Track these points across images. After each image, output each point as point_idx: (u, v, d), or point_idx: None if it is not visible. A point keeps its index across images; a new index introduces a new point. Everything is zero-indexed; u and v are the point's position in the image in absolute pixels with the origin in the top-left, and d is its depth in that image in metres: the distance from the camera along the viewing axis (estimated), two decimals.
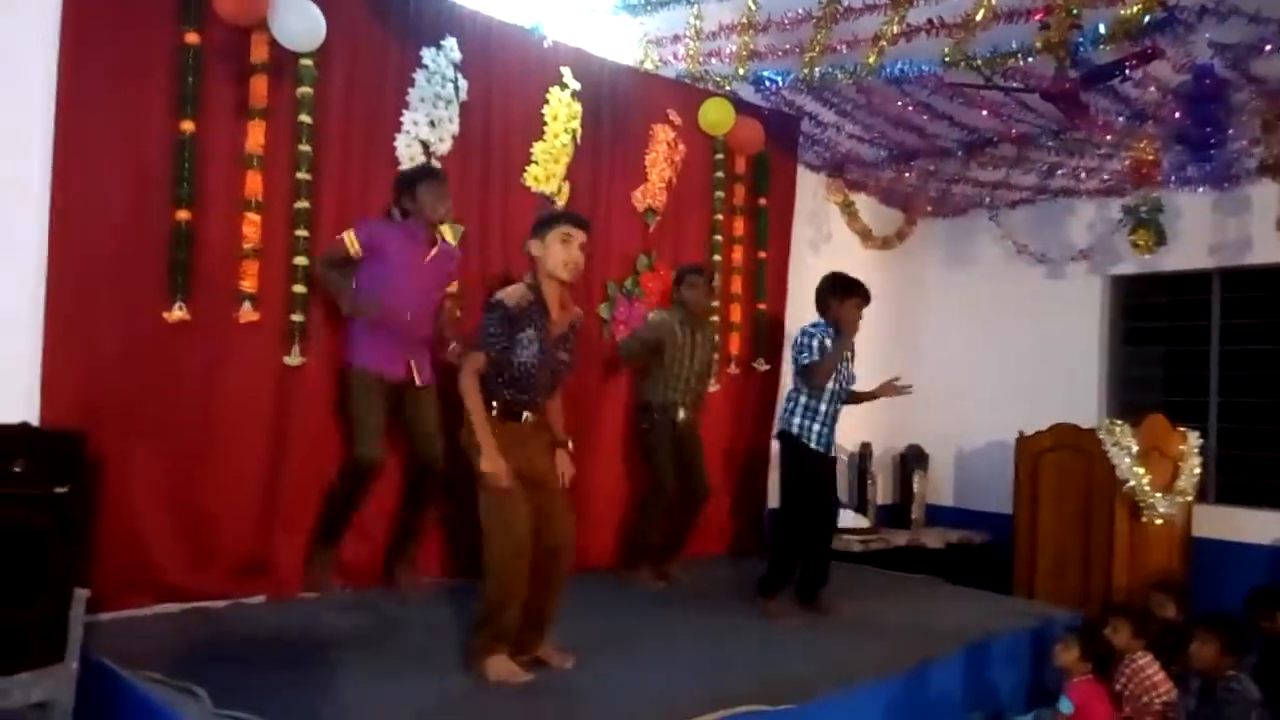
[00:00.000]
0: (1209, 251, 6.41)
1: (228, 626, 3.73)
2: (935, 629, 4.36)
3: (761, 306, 6.21)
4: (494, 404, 3.35)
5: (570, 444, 3.65)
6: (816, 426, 4.47)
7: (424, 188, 4.13)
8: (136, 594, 3.78)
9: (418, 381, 4.21)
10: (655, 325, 5.08)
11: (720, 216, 5.97)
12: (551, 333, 3.40)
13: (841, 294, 4.50)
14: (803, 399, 4.50)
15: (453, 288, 4.54)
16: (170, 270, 3.82)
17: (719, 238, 5.96)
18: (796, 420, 4.48)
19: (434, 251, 4.22)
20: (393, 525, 4.40)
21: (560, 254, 3.36)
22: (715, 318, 5.90)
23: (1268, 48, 4.37)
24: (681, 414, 5.09)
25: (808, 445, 4.46)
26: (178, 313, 3.84)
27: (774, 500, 6.37)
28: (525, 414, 3.40)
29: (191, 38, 3.84)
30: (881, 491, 7.21)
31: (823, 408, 4.48)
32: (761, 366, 6.21)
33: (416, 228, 4.16)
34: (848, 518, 6.33)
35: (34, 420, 3.41)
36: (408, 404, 4.21)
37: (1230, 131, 5.10)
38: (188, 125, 3.83)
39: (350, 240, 4.04)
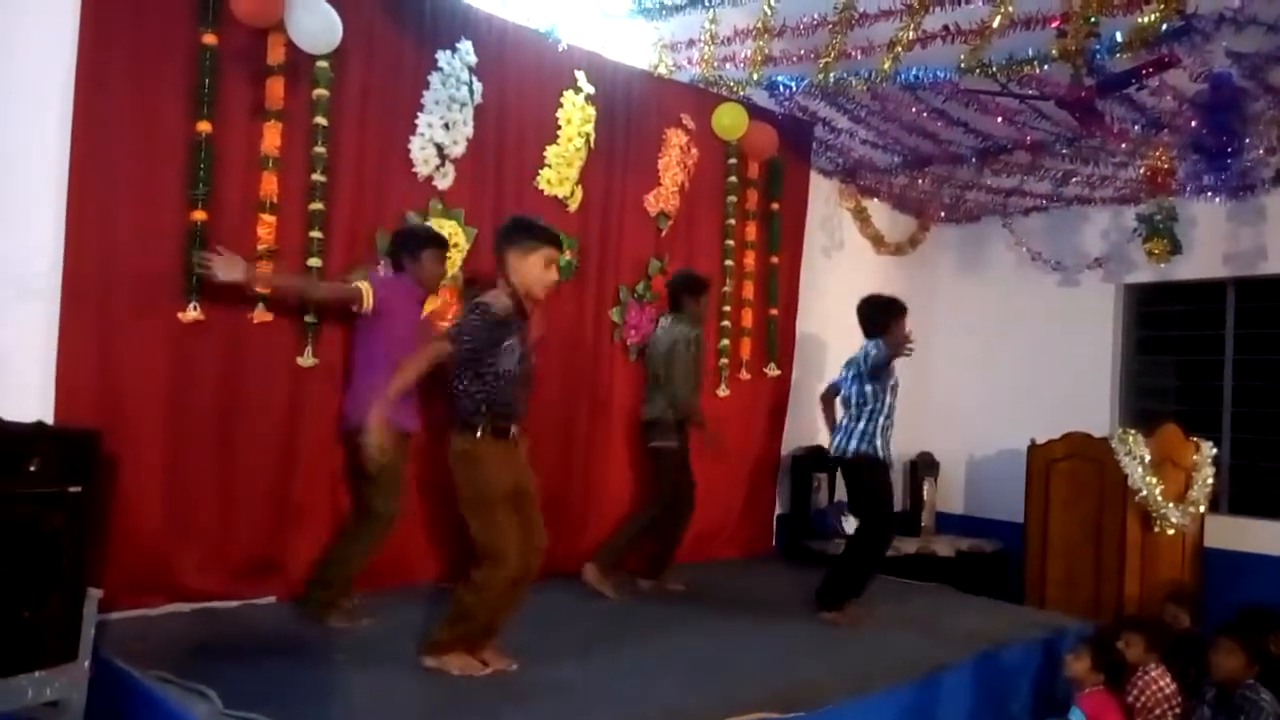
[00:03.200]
0: (1223, 261, 6.38)
1: (238, 627, 3.74)
2: (945, 637, 4.34)
3: (773, 312, 6.21)
4: (480, 427, 3.32)
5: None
6: (886, 443, 4.65)
7: (430, 255, 4.13)
8: (148, 594, 3.79)
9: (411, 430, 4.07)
10: (696, 339, 5.00)
11: (733, 221, 5.97)
12: (529, 340, 3.46)
13: (894, 313, 4.73)
14: (880, 420, 4.61)
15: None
16: (185, 271, 3.83)
17: (731, 242, 5.96)
18: (879, 443, 4.59)
19: (426, 311, 4.29)
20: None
21: (543, 277, 3.41)
22: (726, 322, 5.95)
23: None
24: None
25: (886, 463, 4.65)
26: (192, 313, 3.85)
27: (781, 505, 6.41)
28: (512, 430, 3.40)
29: (208, 39, 3.85)
30: None
31: (891, 423, 4.68)
32: (773, 372, 6.20)
33: (415, 287, 4.13)
34: (854, 525, 6.30)
35: (48, 419, 3.43)
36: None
37: (1246, 141, 5.08)
38: (204, 126, 3.84)
39: (367, 294, 3.92)
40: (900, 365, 4.76)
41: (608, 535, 5.03)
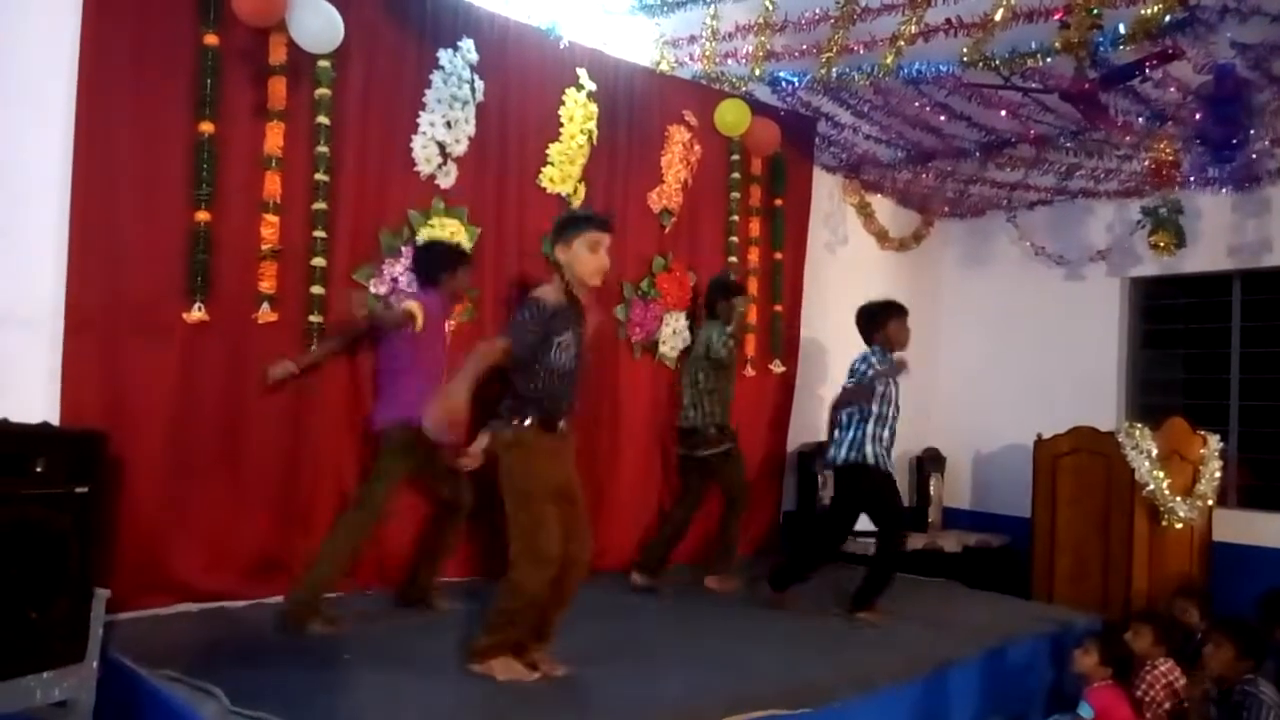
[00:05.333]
0: (1229, 253, 6.35)
1: (246, 626, 3.74)
2: (953, 633, 4.33)
3: (778, 308, 6.20)
4: (529, 417, 3.22)
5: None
6: (877, 449, 4.53)
7: (464, 271, 4.21)
8: (155, 594, 3.80)
9: None
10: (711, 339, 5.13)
11: (736, 218, 5.96)
12: (585, 336, 3.37)
13: (885, 316, 4.67)
14: (868, 428, 4.52)
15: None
16: (189, 271, 3.85)
17: (735, 239, 5.95)
18: (869, 449, 4.51)
19: (451, 324, 4.44)
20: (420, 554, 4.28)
21: (591, 262, 3.28)
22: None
23: None
24: None
25: (879, 468, 4.53)
26: (197, 313, 3.86)
27: (789, 503, 6.41)
28: (560, 424, 3.30)
29: (210, 39, 3.86)
30: None
31: (885, 433, 4.57)
32: (778, 368, 6.20)
33: (445, 301, 4.18)
34: (864, 520, 6.30)
35: (54, 420, 3.43)
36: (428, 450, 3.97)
37: (1251, 132, 5.06)
38: (207, 127, 3.86)
39: (419, 316, 3.89)
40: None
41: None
